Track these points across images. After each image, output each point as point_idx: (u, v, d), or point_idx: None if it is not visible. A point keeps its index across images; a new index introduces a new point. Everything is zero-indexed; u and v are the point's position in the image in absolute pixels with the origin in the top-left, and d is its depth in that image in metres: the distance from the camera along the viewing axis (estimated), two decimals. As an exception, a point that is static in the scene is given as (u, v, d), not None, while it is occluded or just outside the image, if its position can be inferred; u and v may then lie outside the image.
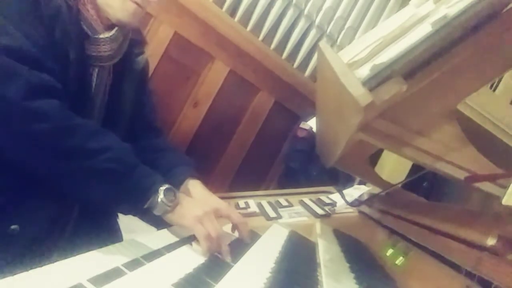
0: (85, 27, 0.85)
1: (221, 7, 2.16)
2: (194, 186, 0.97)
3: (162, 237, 0.77)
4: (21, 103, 0.68)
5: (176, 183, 0.95)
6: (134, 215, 0.82)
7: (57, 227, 0.86)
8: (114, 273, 0.50)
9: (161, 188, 0.78)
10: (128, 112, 0.99)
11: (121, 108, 0.98)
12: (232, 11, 2.20)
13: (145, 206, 0.77)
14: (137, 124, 1.06)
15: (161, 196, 0.77)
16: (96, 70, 0.88)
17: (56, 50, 0.78)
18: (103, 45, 0.87)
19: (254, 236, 0.94)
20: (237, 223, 0.90)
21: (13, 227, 0.76)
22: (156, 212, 0.78)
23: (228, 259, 0.74)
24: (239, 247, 0.81)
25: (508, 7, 0.74)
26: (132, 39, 0.98)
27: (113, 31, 0.88)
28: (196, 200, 0.90)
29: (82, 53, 0.84)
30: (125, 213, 0.83)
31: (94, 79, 0.88)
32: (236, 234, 0.92)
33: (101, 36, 0.87)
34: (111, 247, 0.62)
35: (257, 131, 2.41)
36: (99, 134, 0.77)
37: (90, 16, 0.85)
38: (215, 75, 2.22)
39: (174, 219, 0.79)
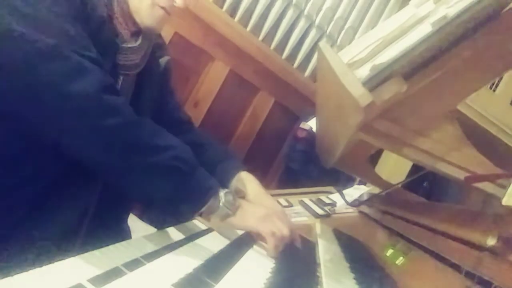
0: (115, 37, 0.85)
1: (221, 7, 2.16)
2: (250, 181, 0.96)
3: (162, 237, 0.77)
4: (96, 96, 0.69)
5: (228, 178, 0.95)
6: (189, 218, 0.82)
7: (73, 232, 0.87)
8: (114, 273, 0.50)
9: (222, 192, 0.78)
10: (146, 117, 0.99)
11: (140, 114, 0.97)
12: (232, 11, 2.20)
13: (203, 209, 0.76)
14: (162, 122, 1.04)
15: (222, 199, 0.77)
16: (121, 78, 0.88)
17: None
18: (131, 54, 0.87)
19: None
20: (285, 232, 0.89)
21: (32, 233, 0.77)
22: (216, 216, 0.78)
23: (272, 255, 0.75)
24: (239, 247, 0.81)
25: (508, 7, 0.74)
26: (154, 43, 0.98)
27: (139, 40, 0.88)
28: (248, 198, 0.91)
29: (114, 62, 0.85)
30: (183, 215, 0.82)
31: (118, 88, 0.88)
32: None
33: (129, 45, 0.87)
34: (111, 247, 0.61)
35: (257, 131, 2.41)
36: (163, 132, 0.78)
37: (119, 25, 0.85)
38: (215, 75, 2.22)
39: (237, 222, 0.80)
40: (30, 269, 0.43)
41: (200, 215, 0.78)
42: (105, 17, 0.80)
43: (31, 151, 0.76)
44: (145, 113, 0.97)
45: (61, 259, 0.49)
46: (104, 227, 0.90)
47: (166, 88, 1.07)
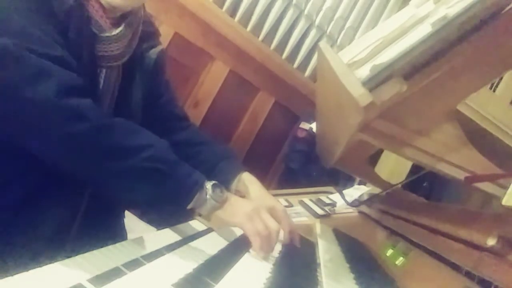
0: (92, 26, 0.80)
1: (221, 7, 2.16)
2: (251, 182, 0.93)
3: (162, 237, 0.77)
4: (56, 102, 0.65)
5: (228, 179, 0.92)
6: (177, 217, 0.79)
7: (64, 232, 0.85)
8: (114, 273, 0.50)
9: (208, 184, 0.75)
10: (137, 112, 0.94)
11: (130, 108, 0.92)
12: (232, 11, 2.20)
13: (190, 206, 0.74)
14: (156, 116, 0.99)
15: (209, 192, 0.74)
16: (104, 70, 0.84)
17: (70, 51, 0.74)
18: (110, 43, 0.82)
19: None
20: (285, 231, 0.85)
21: (22, 233, 0.76)
22: (204, 210, 0.75)
23: (263, 257, 0.73)
24: (239, 246, 0.81)
25: (508, 7, 0.74)
26: (143, 32, 0.92)
27: (120, 28, 0.83)
28: (250, 199, 0.87)
29: (92, 53, 0.81)
30: (169, 215, 0.80)
31: (102, 80, 0.84)
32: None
33: (108, 34, 0.82)
34: (111, 247, 0.61)
35: (257, 131, 2.41)
36: (137, 131, 0.75)
37: (95, 13, 0.80)
38: (215, 75, 2.22)
39: (224, 217, 0.76)
40: (25, 270, 0.43)
41: (200, 215, 0.77)
42: (73, 4, 0.75)
43: (18, 149, 0.73)
44: (135, 107, 0.93)
45: (53, 259, 0.49)
46: (96, 226, 0.88)
47: (159, 80, 1.01)
